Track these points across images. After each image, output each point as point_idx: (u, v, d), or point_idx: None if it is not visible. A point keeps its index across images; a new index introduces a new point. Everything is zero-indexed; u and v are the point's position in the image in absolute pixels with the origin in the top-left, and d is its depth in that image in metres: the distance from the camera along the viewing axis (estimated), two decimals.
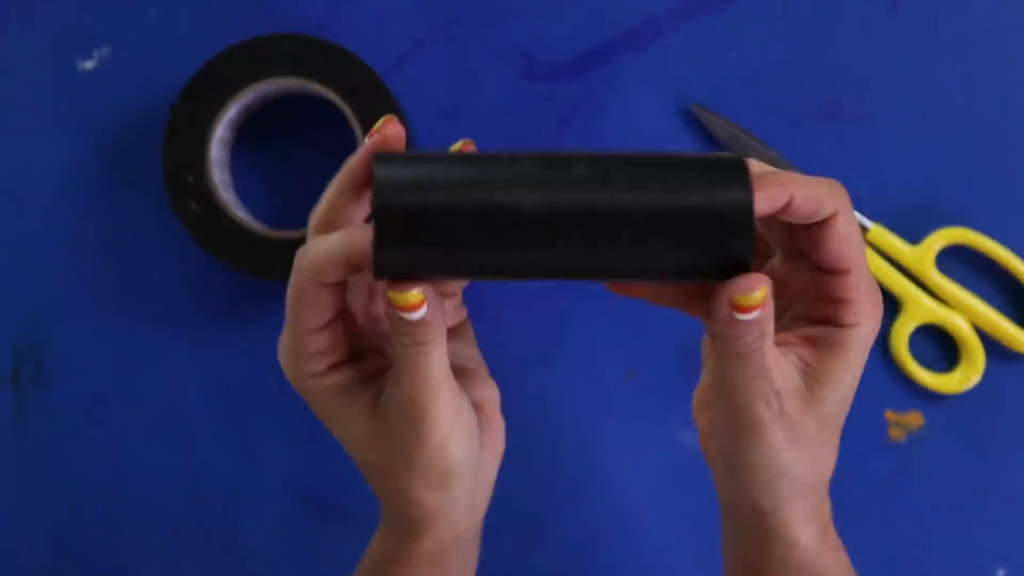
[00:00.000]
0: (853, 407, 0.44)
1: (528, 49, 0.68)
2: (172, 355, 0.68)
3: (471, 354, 0.48)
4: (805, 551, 0.45)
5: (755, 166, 0.41)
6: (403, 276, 0.40)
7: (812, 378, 0.43)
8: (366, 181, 0.43)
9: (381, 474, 0.45)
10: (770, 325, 0.41)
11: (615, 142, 0.67)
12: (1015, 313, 0.67)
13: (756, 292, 0.39)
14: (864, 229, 0.66)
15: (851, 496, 0.66)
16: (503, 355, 0.66)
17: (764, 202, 0.39)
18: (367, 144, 0.43)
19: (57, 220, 0.68)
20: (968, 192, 0.67)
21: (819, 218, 0.41)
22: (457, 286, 0.47)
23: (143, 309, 0.68)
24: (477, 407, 0.45)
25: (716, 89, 0.67)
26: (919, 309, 0.66)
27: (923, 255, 0.66)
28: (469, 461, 0.44)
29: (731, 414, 0.43)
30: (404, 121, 0.64)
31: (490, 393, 0.47)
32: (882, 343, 0.67)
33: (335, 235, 0.41)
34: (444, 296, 0.45)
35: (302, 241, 0.44)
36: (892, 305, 0.67)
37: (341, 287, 0.42)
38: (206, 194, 0.65)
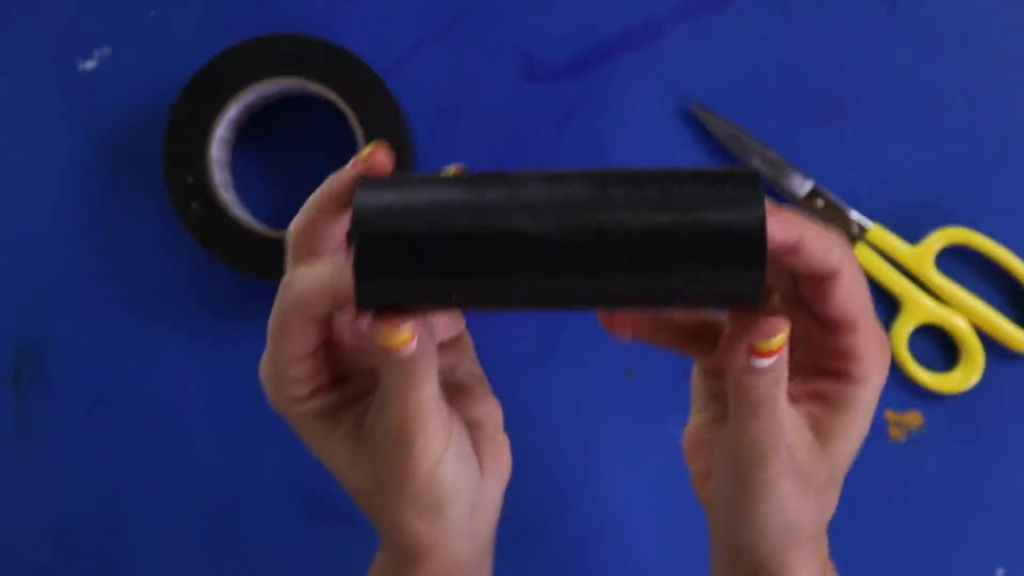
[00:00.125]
0: None
1: (528, 49, 0.68)
2: (173, 355, 0.68)
3: (470, 369, 0.46)
4: None
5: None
6: (387, 308, 0.37)
7: (821, 433, 0.42)
8: (346, 202, 0.41)
9: (369, 500, 0.43)
10: (785, 371, 0.39)
11: (615, 142, 0.67)
12: (1014, 313, 0.67)
13: (777, 336, 0.38)
14: (863, 229, 0.66)
15: (851, 496, 0.66)
16: (503, 355, 0.66)
17: (776, 224, 0.37)
18: (350, 168, 0.41)
19: (58, 220, 0.68)
20: (967, 192, 0.67)
21: (825, 270, 0.39)
22: None
23: (144, 309, 0.68)
24: (476, 426, 0.44)
25: (716, 89, 0.67)
26: (918, 309, 0.66)
27: (922, 255, 0.66)
28: (462, 487, 0.42)
29: (739, 464, 0.42)
30: (404, 121, 0.65)
31: (491, 410, 0.45)
32: None
33: (322, 267, 0.39)
34: None
35: None
36: (892, 305, 0.67)
37: (327, 317, 0.41)
38: (207, 194, 0.65)
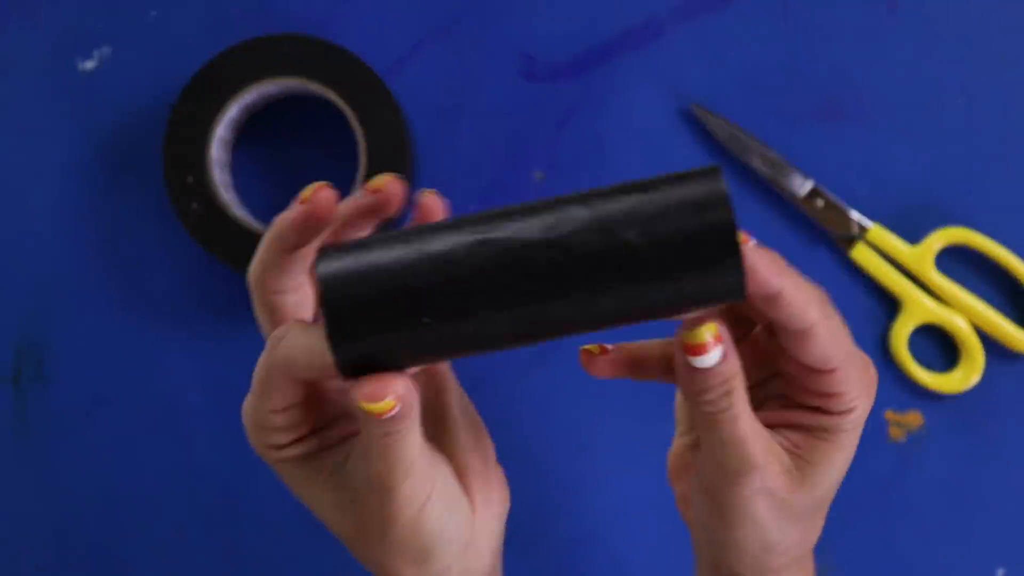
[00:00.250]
0: None
1: (528, 49, 0.68)
2: (173, 355, 0.68)
3: (456, 401, 0.45)
4: None
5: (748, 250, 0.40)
6: (370, 369, 0.37)
7: (803, 460, 0.41)
8: (295, 244, 0.41)
9: (355, 544, 0.42)
10: (736, 385, 0.39)
11: (615, 142, 0.67)
12: (1014, 313, 0.67)
13: (701, 328, 0.38)
14: (863, 229, 0.66)
15: (851, 496, 0.66)
16: (503, 355, 0.66)
17: (760, 262, 0.37)
18: (295, 208, 0.40)
19: (58, 220, 0.68)
20: (967, 192, 0.67)
21: (801, 326, 0.39)
22: None
23: (144, 309, 0.68)
24: (465, 463, 0.43)
25: (716, 89, 0.67)
26: (919, 309, 0.66)
27: (923, 255, 0.66)
28: (450, 531, 0.42)
29: (710, 485, 0.42)
30: (404, 121, 0.65)
31: (479, 445, 0.44)
32: (882, 343, 0.67)
33: (316, 334, 0.38)
34: None
35: None
36: (892, 305, 0.67)
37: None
38: (207, 194, 0.65)
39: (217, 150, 0.65)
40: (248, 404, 0.41)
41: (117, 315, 0.68)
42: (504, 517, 0.45)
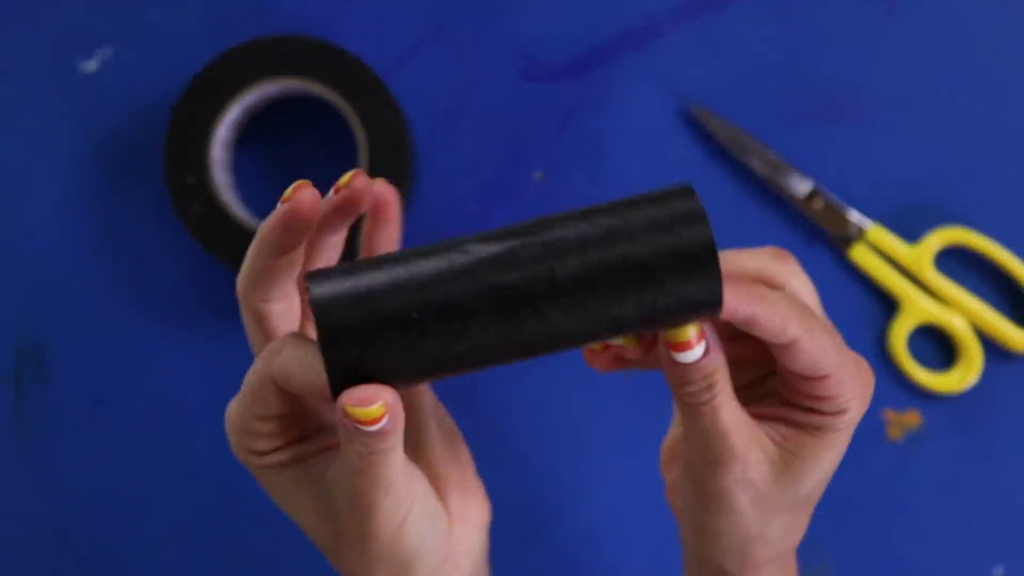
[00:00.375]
0: None
1: (528, 49, 0.68)
2: (174, 355, 0.68)
3: (434, 414, 0.45)
4: None
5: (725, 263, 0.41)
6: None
7: (790, 453, 0.42)
8: (283, 247, 0.41)
9: (335, 555, 0.43)
10: (718, 379, 0.39)
11: (615, 142, 0.67)
12: (1013, 313, 0.67)
13: (686, 326, 0.38)
14: (862, 229, 0.66)
15: (850, 495, 0.66)
16: None
17: (731, 298, 0.38)
18: (278, 210, 0.40)
19: (59, 221, 0.68)
20: (966, 192, 0.67)
21: (784, 341, 0.39)
22: None
23: (145, 310, 0.68)
24: (443, 476, 0.43)
25: (716, 89, 0.67)
26: (917, 309, 0.66)
27: (921, 255, 0.66)
28: (428, 544, 0.42)
29: (693, 474, 0.42)
30: (404, 121, 0.65)
31: (457, 456, 0.44)
32: (880, 343, 0.67)
33: (313, 354, 0.38)
34: None
35: None
36: (890, 305, 0.67)
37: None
38: (207, 194, 0.65)
39: (218, 150, 0.65)
40: (234, 409, 0.41)
41: (118, 315, 0.68)
42: (486, 528, 0.45)
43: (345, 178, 0.41)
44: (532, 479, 0.67)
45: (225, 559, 0.68)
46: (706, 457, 0.41)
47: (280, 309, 0.43)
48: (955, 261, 0.67)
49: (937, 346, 0.67)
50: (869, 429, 0.67)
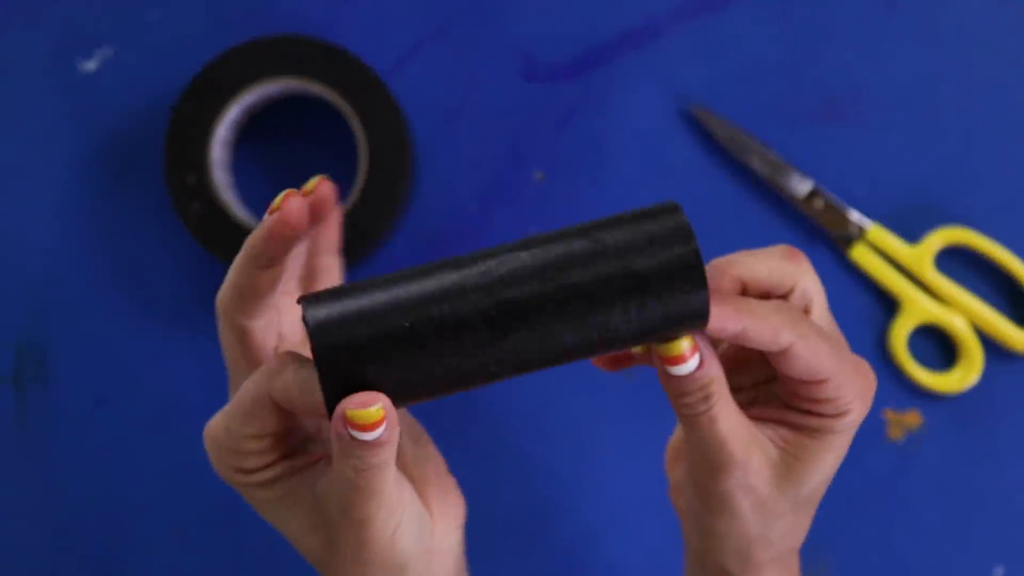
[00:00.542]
0: None
1: (528, 49, 0.68)
2: (173, 355, 0.68)
3: (407, 419, 0.45)
4: None
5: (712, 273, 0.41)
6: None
7: (791, 456, 0.42)
8: (270, 259, 0.41)
9: (326, 566, 0.43)
10: (715, 389, 0.40)
11: (615, 142, 0.67)
12: (1013, 313, 0.67)
13: (679, 340, 0.39)
14: (863, 229, 0.66)
15: (850, 495, 0.66)
16: None
17: (718, 316, 0.38)
18: (266, 223, 0.41)
19: (59, 220, 0.69)
20: (966, 192, 0.67)
21: (777, 349, 0.40)
22: None
23: (145, 309, 0.68)
24: (420, 475, 0.44)
25: (716, 89, 0.67)
26: (917, 309, 0.66)
27: (922, 255, 0.66)
28: (419, 545, 0.43)
29: (695, 477, 0.43)
30: (404, 121, 0.65)
31: (433, 456, 0.45)
32: (881, 343, 0.67)
33: (313, 376, 0.39)
34: None
35: None
36: (891, 305, 0.67)
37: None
38: (207, 194, 0.65)
39: (218, 150, 0.65)
40: (220, 428, 0.41)
41: (118, 315, 0.68)
42: (462, 526, 0.46)
43: (310, 184, 0.42)
44: (532, 479, 0.67)
45: (225, 559, 0.68)
46: (707, 463, 0.42)
47: (261, 325, 0.44)
48: (955, 261, 0.67)
49: (937, 346, 0.67)
50: (869, 429, 0.67)
